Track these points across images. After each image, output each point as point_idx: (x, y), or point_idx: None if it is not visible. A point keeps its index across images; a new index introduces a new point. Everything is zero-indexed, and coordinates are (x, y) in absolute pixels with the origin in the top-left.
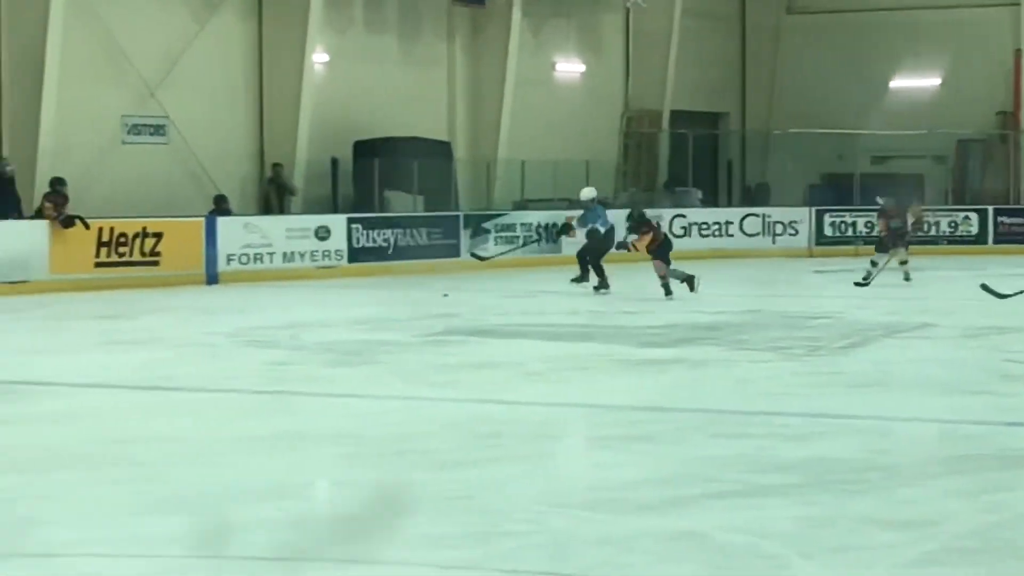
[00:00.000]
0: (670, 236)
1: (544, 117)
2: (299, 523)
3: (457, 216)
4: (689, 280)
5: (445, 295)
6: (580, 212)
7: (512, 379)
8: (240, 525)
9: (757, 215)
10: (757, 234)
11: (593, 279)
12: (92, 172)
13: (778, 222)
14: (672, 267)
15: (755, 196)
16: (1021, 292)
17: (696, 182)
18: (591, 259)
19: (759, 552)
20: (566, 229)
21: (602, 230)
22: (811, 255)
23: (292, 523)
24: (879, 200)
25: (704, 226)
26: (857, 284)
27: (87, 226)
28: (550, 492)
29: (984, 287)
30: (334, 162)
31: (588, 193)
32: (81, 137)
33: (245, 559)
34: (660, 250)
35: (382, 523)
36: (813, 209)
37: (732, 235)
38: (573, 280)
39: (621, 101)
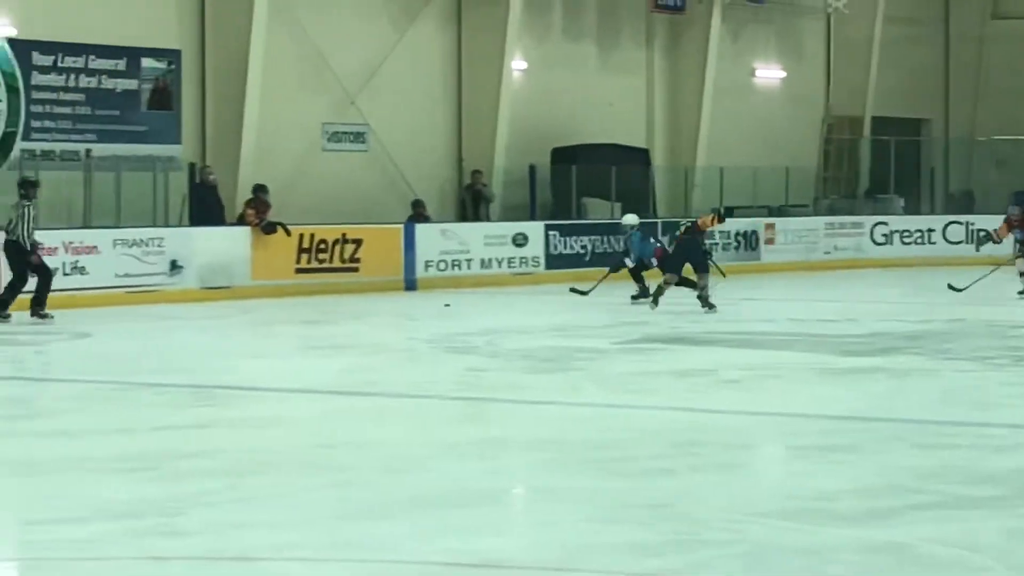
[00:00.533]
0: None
1: (743, 123)
2: (502, 529)
3: (655, 223)
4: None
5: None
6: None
7: (710, 387)
8: (441, 530)
9: (960, 223)
10: (960, 242)
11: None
12: (293, 179)
13: (982, 230)
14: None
15: (958, 203)
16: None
17: (898, 189)
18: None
19: (966, 565)
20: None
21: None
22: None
23: (494, 529)
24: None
25: (906, 234)
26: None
27: (288, 232)
28: (749, 501)
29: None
30: (532, 169)
31: (630, 220)
32: (283, 144)
33: (448, 565)
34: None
35: (582, 531)
36: None
37: (935, 243)
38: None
39: (822, 107)
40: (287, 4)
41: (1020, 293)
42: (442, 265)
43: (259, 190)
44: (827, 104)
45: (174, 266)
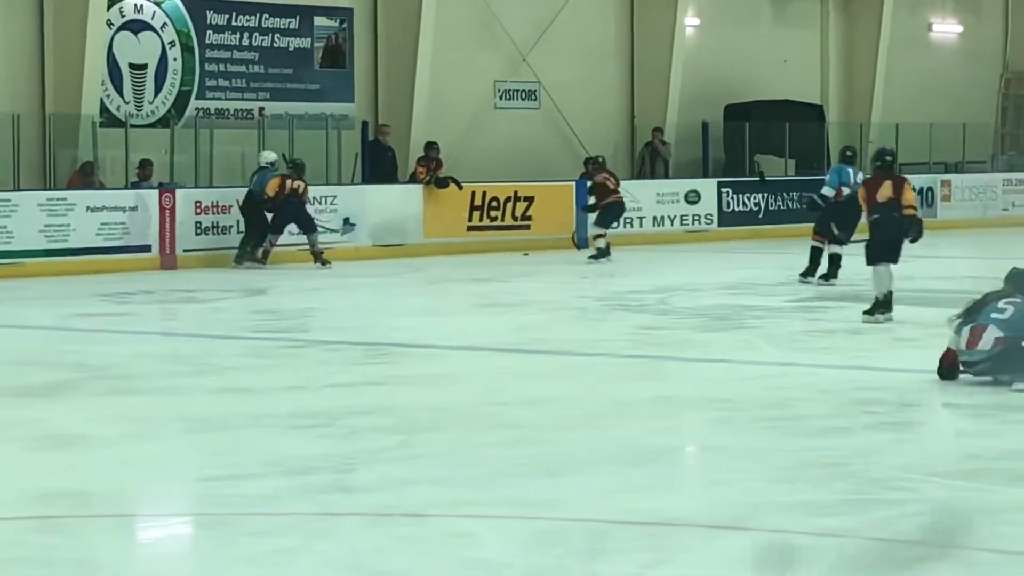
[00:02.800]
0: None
1: (919, 79)
2: (675, 488)
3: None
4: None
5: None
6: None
7: (885, 345)
8: (614, 489)
9: None
10: None
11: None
12: (465, 137)
13: None
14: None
15: None
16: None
17: None
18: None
19: None
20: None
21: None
22: None
23: (668, 488)
24: None
25: None
26: None
27: (460, 186)
28: (926, 461)
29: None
30: (704, 126)
31: None
32: (454, 102)
33: (621, 524)
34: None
35: (757, 490)
36: None
37: None
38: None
39: (1000, 62)
40: None
41: None
42: (614, 223)
43: (430, 147)
44: (1005, 59)
45: (347, 223)
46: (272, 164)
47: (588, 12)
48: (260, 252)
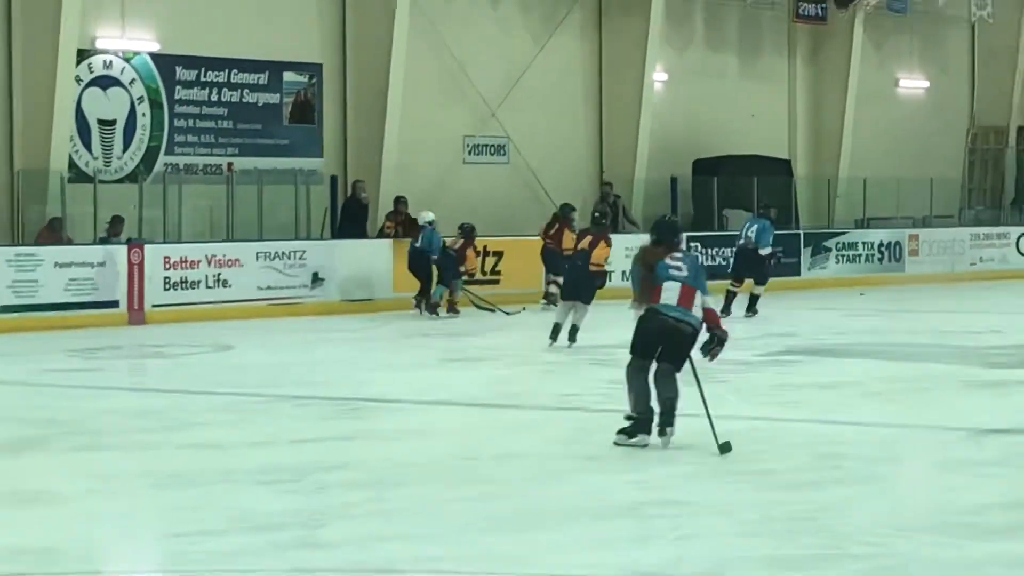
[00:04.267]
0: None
1: (886, 134)
2: (644, 542)
3: (797, 234)
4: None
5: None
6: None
7: (854, 399)
8: (585, 543)
9: None
10: None
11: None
12: (434, 192)
13: None
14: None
15: None
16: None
17: None
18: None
19: None
20: None
21: None
22: None
23: (637, 542)
24: None
25: None
26: None
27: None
28: (895, 515)
29: None
30: (673, 181)
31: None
32: (424, 157)
33: None
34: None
35: (726, 544)
36: None
37: None
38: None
39: (966, 117)
40: (428, 18)
41: None
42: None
43: (399, 202)
44: (972, 114)
45: (315, 279)
46: (431, 223)
47: (557, 67)
48: (432, 303)
